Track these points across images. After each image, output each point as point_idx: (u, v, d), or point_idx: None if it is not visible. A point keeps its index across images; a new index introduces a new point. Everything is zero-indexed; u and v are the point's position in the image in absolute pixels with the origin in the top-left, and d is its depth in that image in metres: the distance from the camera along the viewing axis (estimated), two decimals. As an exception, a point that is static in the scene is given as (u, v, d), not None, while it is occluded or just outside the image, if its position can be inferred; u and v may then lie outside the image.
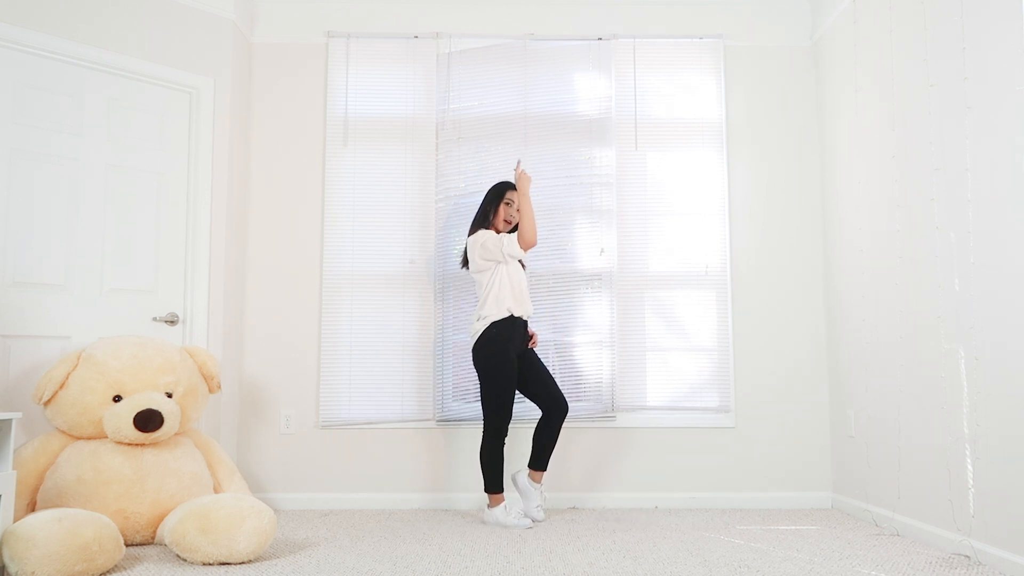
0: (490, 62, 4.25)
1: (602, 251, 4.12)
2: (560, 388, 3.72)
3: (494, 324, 3.56)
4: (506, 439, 3.61)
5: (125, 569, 2.69)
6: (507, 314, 3.57)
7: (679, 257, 4.16)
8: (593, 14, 4.28)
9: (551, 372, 3.80)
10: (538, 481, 3.63)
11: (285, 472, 4.04)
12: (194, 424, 3.48)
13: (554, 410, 3.61)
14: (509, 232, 3.69)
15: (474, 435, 4.02)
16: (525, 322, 3.68)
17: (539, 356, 3.77)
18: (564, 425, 3.97)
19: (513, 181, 3.76)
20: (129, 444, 3.07)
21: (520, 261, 3.69)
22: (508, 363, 3.55)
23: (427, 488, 4.04)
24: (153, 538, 3.05)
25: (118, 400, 3.09)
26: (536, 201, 3.99)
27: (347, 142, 4.20)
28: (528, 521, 3.48)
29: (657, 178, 4.20)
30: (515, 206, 3.69)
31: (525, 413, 3.92)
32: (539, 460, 3.62)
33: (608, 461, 4.06)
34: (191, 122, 3.82)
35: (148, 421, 3.02)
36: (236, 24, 4.01)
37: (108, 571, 2.62)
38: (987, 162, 2.75)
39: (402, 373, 4.09)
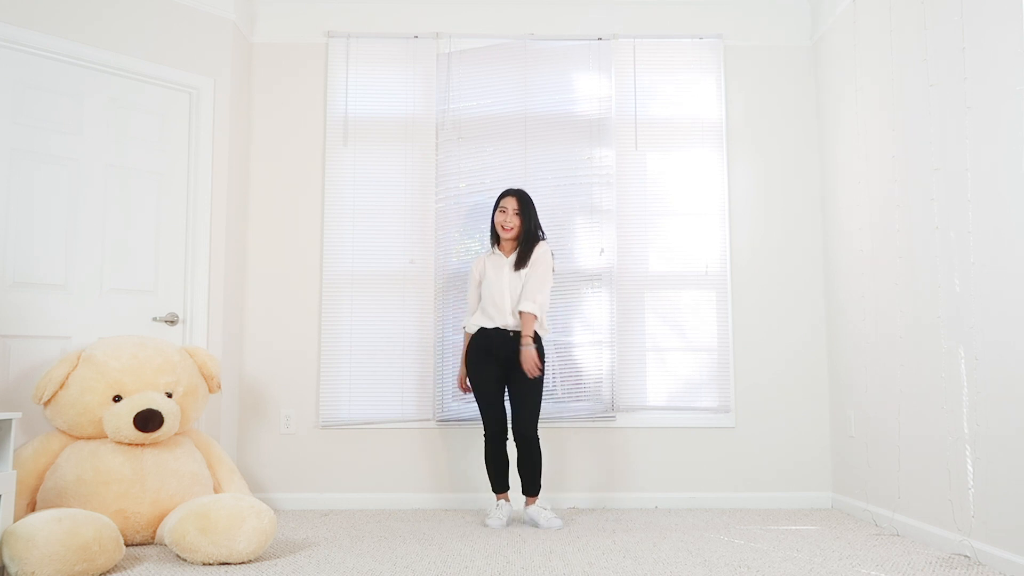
0: (490, 62, 4.25)
1: (602, 251, 4.12)
2: (526, 417, 3.51)
3: (470, 339, 3.65)
4: (505, 440, 3.59)
5: (125, 569, 2.69)
6: (474, 329, 3.61)
7: (679, 257, 4.16)
8: (593, 14, 4.27)
9: (528, 398, 3.53)
10: (529, 505, 3.55)
11: (285, 472, 4.04)
12: (194, 424, 3.48)
13: (519, 443, 3.54)
14: (510, 241, 3.66)
15: (474, 435, 4.03)
16: (511, 333, 3.55)
17: (530, 380, 3.51)
18: (565, 425, 3.99)
19: (512, 188, 3.74)
20: (129, 444, 3.07)
21: (512, 260, 3.63)
22: (474, 370, 3.59)
23: (427, 488, 4.04)
24: (153, 538, 3.05)
25: (118, 400, 3.09)
26: (536, 201, 3.97)
27: (347, 142, 4.20)
28: (498, 523, 3.48)
29: (657, 178, 4.20)
30: (508, 215, 3.62)
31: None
32: (527, 486, 3.57)
33: (608, 461, 4.06)
34: (191, 122, 3.82)
35: (148, 421, 3.02)
36: (236, 24, 4.01)
37: (108, 571, 2.62)
38: (987, 162, 2.75)
39: (402, 373, 4.09)
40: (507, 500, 3.61)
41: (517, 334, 3.54)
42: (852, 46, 3.77)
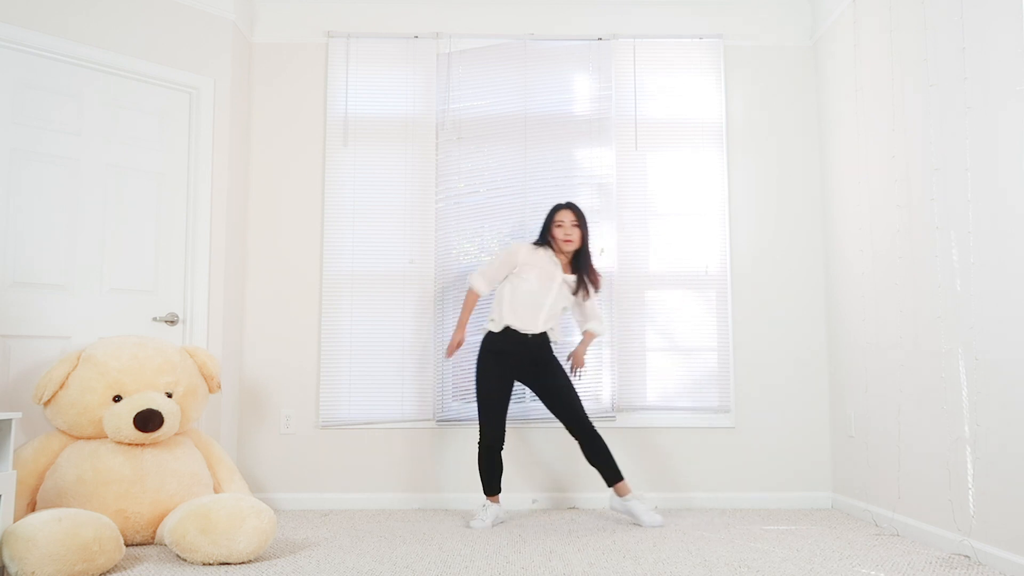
0: (490, 62, 4.25)
1: (602, 251, 4.12)
2: (579, 413, 3.56)
3: (488, 334, 3.63)
4: (501, 449, 3.55)
5: (125, 569, 2.69)
6: (501, 327, 3.58)
7: (679, 257, 4.15)
8: (593, 14, 4.27)
9: (571, 393, 3.60)
10: (623, 494, 3.53)
11: (285, 472, 4.04)
12: (194, 424, 3.48)
13: (582, 436, 3.54)
14: (570, 258, 3.68)
15: (474, 435, 4.02)
16: (536, 337, 3.59)
17: (563, 374, 3.63)
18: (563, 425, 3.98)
19: (563, 202, 3.73)
20: (129, 444, 3.07)
21: (571, 280, 3.66)
22: (489, 373, 3.56)
23: (427, 488, 4.04)
24: (153, 538, 3.05)
25: (118, 400, 3.09)
26: (537, 201, 4.04)
27: (347, 142, 4.20)
28: (482, 525, 3.45)
29: (657, 178, 4.20)
30: (566, 227, 3.62)
31: (533, 412, 3.96)
32: (607, 474, 3.55)
33: (608, 461, 4.06)
34: (191, 122, 3.82)
35: (148, 421, 3.02)
36: (236, 24, 4.01)
37: (108, 571, 2.62)
38: (987, 162, 2.75)
39: (402, 373, 4.09)
40: (497, 502, 3.59)
41: (536, 337, 3.59)
42: (852, 46, 3.77)
